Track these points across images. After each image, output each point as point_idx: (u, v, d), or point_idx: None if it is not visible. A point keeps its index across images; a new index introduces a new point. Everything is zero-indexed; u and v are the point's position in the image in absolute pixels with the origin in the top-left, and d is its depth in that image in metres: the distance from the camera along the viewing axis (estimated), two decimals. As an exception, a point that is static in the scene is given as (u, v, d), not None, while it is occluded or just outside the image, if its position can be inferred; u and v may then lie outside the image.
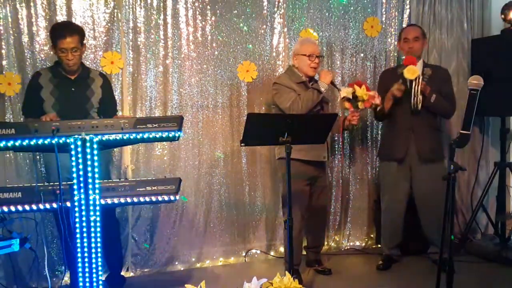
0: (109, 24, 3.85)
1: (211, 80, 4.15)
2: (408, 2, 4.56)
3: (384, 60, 4.55)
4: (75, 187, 2.56)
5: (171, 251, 4.11)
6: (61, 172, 2.54)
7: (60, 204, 2.55)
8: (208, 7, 4.10)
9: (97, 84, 3.45)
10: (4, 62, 3.62)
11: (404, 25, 4.47)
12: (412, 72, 3.64)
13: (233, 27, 4.18)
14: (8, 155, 3.66)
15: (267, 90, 4.11)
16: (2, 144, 2.51)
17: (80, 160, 2.56)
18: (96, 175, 2.58)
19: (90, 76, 3.45)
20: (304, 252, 4.01)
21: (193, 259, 4.19)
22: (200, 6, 4.08)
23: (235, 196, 4.28)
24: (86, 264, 2.58)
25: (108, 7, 3.84)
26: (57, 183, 2.56)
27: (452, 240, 2.79)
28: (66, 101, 3.32)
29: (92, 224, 2.58)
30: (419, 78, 3.68)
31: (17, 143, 2.52)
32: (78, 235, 2.57)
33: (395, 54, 4.54)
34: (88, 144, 2.55)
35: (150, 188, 2.69)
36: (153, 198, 2.71)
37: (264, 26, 4.26)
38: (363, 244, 4.61)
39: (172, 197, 2.72)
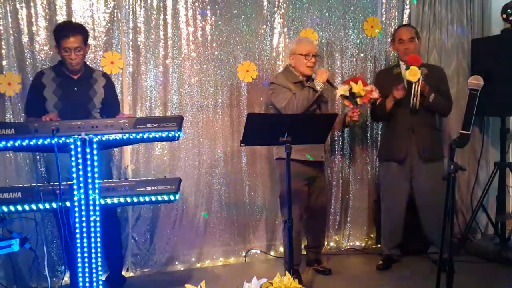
0: (109, 24, 3.85)
1: (211, 80, 4.15)
2: (408, 2, 4.56)
3: (384, 60, 4.56)
4: (75, 187, 2.56)
5: (171, 251, 4.11)
6: (61, 172, 2.54)
7: (60, 204, 2.55)
8: (208, 7, 4.10)
9: (99, 84, 3.45)
10: (4, 62, 3.61)
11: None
12: (414, 73, 3.62)
13: (233, 27, 4.18)
14: (8, 155, 3.66)
15: (265, 90, 4.11)
16: (2, 144, 2.51)
17: (80, 160, 2.55)
18: (96, 175, 2.58)
19: (93, 76, 3.46)
20: (304, 252, 4.02)
21: (193, 259, 4.19)
22: (200, 6, 4.08)
23: (235, 196, 4.28)
24: (86, 264, 2.58)
25: (108, 7, 3.84)
26: (57, 183, 2.56)
27: (452, 240, 2.79)
28: (68, 100, 3.33)
29: (92, 224, 2.58)
30: (419, 79, 3.68)
31: (17, 143, 2.52)
32: (78, 235, 2.57)
33: (395, 54, 4.54)
34: (88, 144, 2.55)
35: (150, 188, 2.69)
36: (153, 198, 2.71)
37: (264, 26, 4.26)
38: (363, 244, 4.61)
39: (172, 197, 2.72)
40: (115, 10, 3.86)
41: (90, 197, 2.57)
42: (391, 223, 4.04)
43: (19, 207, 2.55)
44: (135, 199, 2.69)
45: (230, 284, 3.55)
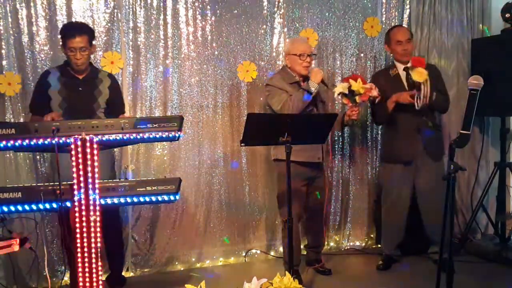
0: (109, 24, 3.85)
1: (211, 80, 4.15)
2: (408, 2, 4.56)
3: (384, 60, 4.55)
4: (75, 187, 2.56)
5: (171, 251, 4.11)
6: (67, 172, 2.54)
7: (60, 204, 2.55)
8: (208, 7, 4.10)
9: (105, 84, 3.46)
10: (4, 62, 3.61)
11: (404, 25, 4.47)
12: (420, 74, 3.60)
13: (233, 27, 4.18)
14: (8, 155, 3.66)
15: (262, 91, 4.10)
16: (2, 144, 2.51)
17: (80, 160, 2.55)
18: (96, 175, 2.58)
19: (99, 77, 3.47)
20: (304, 252, 4.02)
21: (193, 259, 4.19)
22: (200, 6, 4.08)
23: (235, 196, 4.28)
24: (86, 264, 2.58)
25: (108, 7, 3.84)
26: (57, 183, 2.56)
27: (452, 240, 2.79)
28: (73, 100, 3.35)
29: (92, 224, 2.57)
30: (427, 80, 3.66)
31: (17, 143, 2.51)
32: (78, 235, 2.57)
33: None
34: (88, 144, 2.55)
35: (150, 188, 2.69)
36: (153, 198, 2.71)
37: (264, 26, 4.26)
38: (363, 244, 4.61)
39: (172, 197, 2.72)
40: (115, 10, 3.86)
41: (90, 197, 2.57)
42: (393, 224, 4.03)
43: (19, 207, 2.55)
44: (135, 199, 2.69)
45: (230, 284, 3.55)
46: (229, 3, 4.15)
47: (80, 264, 2.57)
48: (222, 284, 3.73)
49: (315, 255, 3.98)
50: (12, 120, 3.61)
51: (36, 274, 3.57)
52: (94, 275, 2.59)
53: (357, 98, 3.51)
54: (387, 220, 4.08)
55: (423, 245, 4.19)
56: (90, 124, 2.60)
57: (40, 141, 2.53)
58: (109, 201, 2.66)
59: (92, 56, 3.78)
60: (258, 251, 4.36)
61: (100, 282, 2.62)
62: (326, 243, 4.34)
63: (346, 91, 3.51)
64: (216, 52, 4.15)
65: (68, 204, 2.58)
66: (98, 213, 2.58)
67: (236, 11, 4.18)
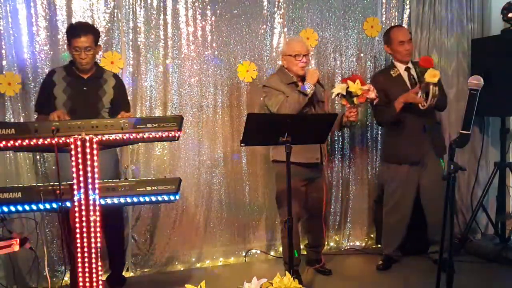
0: (109, 24, 3.85)
1: (211, 80, 4.15)
2: (408, 2, 4.56)
3: (384, 60, 4.55)
4: (75, 187, 2.56)
5: (171, 251, 4.11)
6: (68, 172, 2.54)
7: (60, 204, 2.55)
8: (208, 7, 4.10)
9: (109, 84, 3.47)
10: (4, 62, 3.61)
11: (404, 25, 4.47)
12: (433, 75, 3.57)
13: (233, 27, 4.18)
14: (8, 155, 3.66)
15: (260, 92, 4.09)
16: (2, 144, 2.50)
17: (80, 160, 2.55)
18: (96, 175, 2.58)
19: (103, 77, 3.48)
20: (304, 252, 4.02)
21: (193, 259, 4.19)
22: (200, 6, 4.08)
23: (235, 196, 4.28)
24: (86, 264, 2.58)
25: (108, 7, 3.84)
26: (57, 183, 2.56)
27: (452, 240, 2.79)
28: (77, 99, 3.36)
29: (92, 224, 2.57)
30: (439, 80, 3.63)
31: (17, 143, 2.51)
32: (78, 235, 2.57)
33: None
34: (88, 144, 2.55)
35: (150, 188, 2.69)
36: (153, 198, 2.71)
37: (264, 26, 4.26)
38: (363, 244, 4.61)
39: (172, 197, 2.72)
40: (115, 10, 3.86)
41: (90, 197, 2.57)
42: (395, 227, 4.01)
43: (19, 207, 2.55)
44: (135, 199, 2.69)
45: (230, 284, 3.54)
46: (229, 3, 4.15)
47: (80, 264, 2.57)
48: (222, 284, 3.73)
49: (315, 255, 3.98)
50: (12, 120, 3.61)
51: (36, 274, 3.57)
52: (94, 275, 2.59)
53: (355, 99, 3.48)
54: (388, 221, 4.07)
55: (423, 245, 4.18)
56: (90, 124, 2.60)
57: (40, 141, 2.53)
58: (109, 201, 2.66)
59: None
60: (258, 251, 4.36)
61: (100, 282, 2.62)
62: (326, 243, 4.34)
63: (344, 92, 3.47)
64: (216, 52, 4.15)
65: (68, 204, 2.58)
66: (98, 213, 2.58)
67: (236, 11, 4.18)
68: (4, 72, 3.60)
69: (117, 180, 2.78)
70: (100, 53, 3.80)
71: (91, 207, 2.57)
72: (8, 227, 2.86)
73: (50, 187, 2.59)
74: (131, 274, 3.98)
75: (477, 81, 2.89)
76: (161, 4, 3.97)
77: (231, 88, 4.22)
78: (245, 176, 4.29)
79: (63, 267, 3.70)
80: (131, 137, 2.65)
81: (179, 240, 4.12)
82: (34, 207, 2.56)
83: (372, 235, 4.65)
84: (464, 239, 4.35)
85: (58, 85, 3.37)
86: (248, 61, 4.20)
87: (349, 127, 4.14)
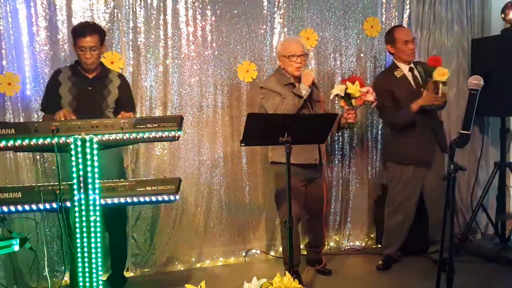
0: (109, 24, 3.85)
1: (211, 80, 4.15)
2: (408, 2, 4.55)
3: (384, 60, 4.55)
4: (75, 187, 2.56)
5: (171, 251, 4.11)
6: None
7: (60, 204, 2.54)
8: (208, 7, 4.10)
9: (114, 84, 3.48)
10: (4, 62, 3.61)
11: (404, 25, 4.47)
12: (442, 73, 3.55)
13: (233, 27, 4.18)
14: (8, 155, 3.66)
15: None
16: (2, 144, 2.51)
17: (80, 160, 2.55)
18: (96, 175, 2.58)
19: (109, 77, 3.49)
20: (304, 252, 4.02)
21: (193, 259, 4.19)
22: (200, 6, 4.08)
23: (235, 196, 4.28)
24: (86, 264, 2.58)
25: (108, 7, 3.84)
26: (57, 183, 2.56)
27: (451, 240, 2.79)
28: (82, 99, 3.38)
29: (92, 224, 2.57)
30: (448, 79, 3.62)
31: (17, 143, 2.51)
32: (78, 235, 2.57)
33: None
34: (88, 144, 2.55)
35: (150, 188, 2.69)
36: (153, 198, 2.70)
37: (264, 26, 4.26)
38: (363, 244, 4.60)
39: (172, 197, 2.71)
40: (115, 10, 3.86)
41: (90, 197, 2.57)
42: (397, 226, 4.00)
43: (19, 207, 2.55)
44: (135, 199, 2.69)
45: (230, 284, 3.55)
46: (229, 3, 4.15)
47: (80, 264, 2.57)
48: (222, 284, 3.73)
49: (316, 255, 3.97)
50: (12, 120, 3.61)
51: (36, 274, 3.56)
52: (94, 275, 2.59)
53: (353, 101, 3.46)
54: (391, 222, 4.05)
55: (423, 245, 4.18)
56: (90, 124, 2.60)
57: (40, 141, 2.53)
58: (109, 201, 2.66)
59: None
60: (258, 251, 4.36)
61: (100, 282, 2.62)
62: (326, 243, 4.34)
63: (343, 94, 3.45)
64: (216, 52, 4.15)
65: (68, 204, 2.58)
66: (98, 213, 2.58)
67: (236, 11, 4.18)
68: (4, 72, 3.60)
69: (117, 180, 2.77)
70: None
71: (91, 207, 2.57)
72: (8, 227, 2.86)
73: (50, 187, 2.59)
74: (131, 274, 3.98)
75: (477, 81, 2.90)
76: (161, 4, 3.97)
77: (231, 88, 4.22)
78: (245, 176, 4.29)
79: (63, 267, 3.70)
80: (131, 137, 2.65)
81: (179, 240, 4.12)
82: (34, 207, 2.56)
83: (372, 235, 4.65)
84: (464, 239, 4.35)
85: (63, 84, 3.39)
86: (248, 61, 4.20)
87: (348, 129, 4.08)
